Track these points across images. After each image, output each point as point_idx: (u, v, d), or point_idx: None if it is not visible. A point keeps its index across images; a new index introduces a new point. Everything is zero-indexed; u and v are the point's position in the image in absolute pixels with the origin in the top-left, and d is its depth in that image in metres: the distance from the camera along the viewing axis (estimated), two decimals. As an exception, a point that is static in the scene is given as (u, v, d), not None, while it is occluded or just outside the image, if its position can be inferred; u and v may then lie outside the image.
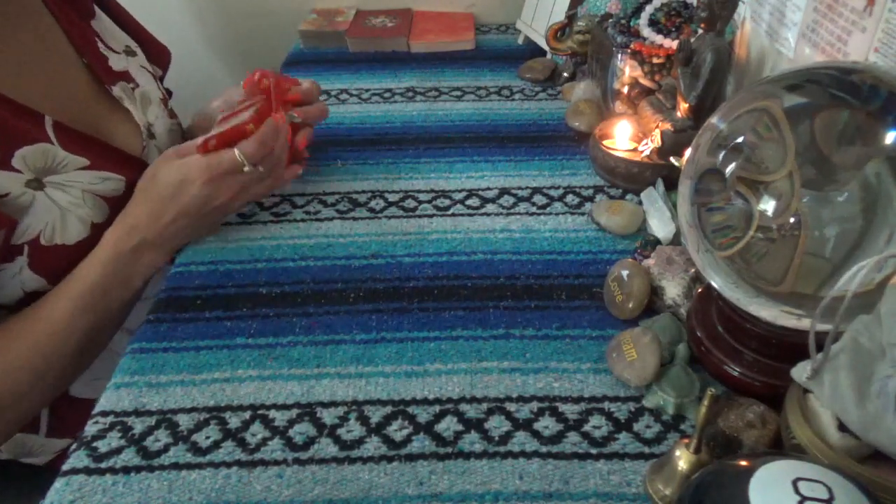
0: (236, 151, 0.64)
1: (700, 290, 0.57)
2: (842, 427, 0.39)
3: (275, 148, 0.67)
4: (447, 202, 0.74)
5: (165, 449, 0.49)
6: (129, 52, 0.80)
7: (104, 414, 0.52)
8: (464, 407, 0.52)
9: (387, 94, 0.98)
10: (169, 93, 0.91)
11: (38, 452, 0.71)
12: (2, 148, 0.60)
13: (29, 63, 0.66)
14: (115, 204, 0.67)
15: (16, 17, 0.67)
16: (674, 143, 0.69)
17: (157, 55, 0.88)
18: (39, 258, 0.62)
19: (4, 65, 0.64)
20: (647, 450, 0.48)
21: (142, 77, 0.79)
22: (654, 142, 0.71)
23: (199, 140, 0.64)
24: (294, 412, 0.52)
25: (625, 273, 0.58)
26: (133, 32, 0.85)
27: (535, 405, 0.52)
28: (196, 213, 0.65)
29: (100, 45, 0.75)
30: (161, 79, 0.90)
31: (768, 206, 0.45)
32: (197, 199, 0.64)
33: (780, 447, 0.45)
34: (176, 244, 0.68)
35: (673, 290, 0.58)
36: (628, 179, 0.74)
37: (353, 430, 0.50)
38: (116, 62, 0.76)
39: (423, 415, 0.51)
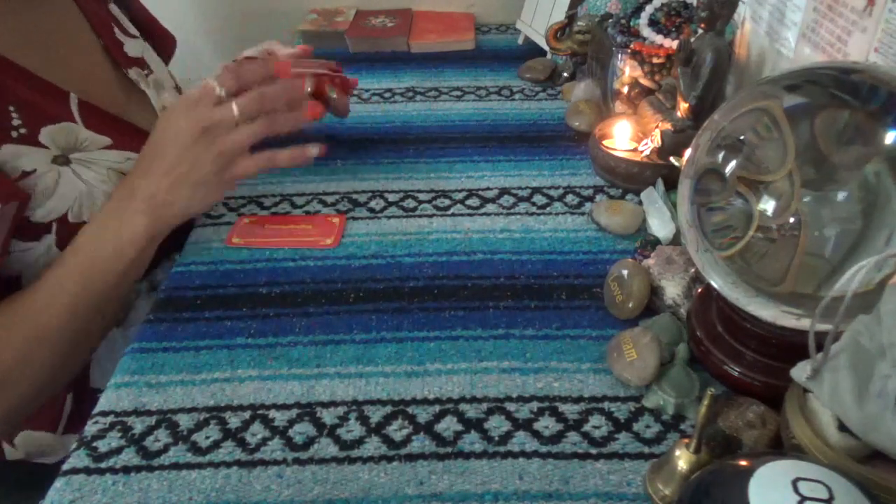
0: (210, 80, 0.63)
1: (700, 290, 0.57)
2: (842, 427, 0.39)
3: (263, 88, 0.65)
4: (447, 202, 0.74)
5: (165, 449, 0.49)
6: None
7: (104, 414, 0.52)
8: (464, 407, 0.52)
9: (387, 94, 0.98)
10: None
11: (50, 452, 0.70)
12: (30, 124, 0.61)
13: (54, 44, 0.67)
14: None
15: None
16: (674, 143, 0.69)
17: (161, 41, 0.88)
18: (67, 237, 0.62)
19: (32, 43, 0.64)
20: (647, 450, 0.48)
21: (155, 65, 0.80)
22: (654, 142, 0.71)
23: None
24: (294, 412, 0.52)
25: (625, 273, 0.58)
26: (138, 15, 0.85)
27: (535, 405, 0.52)
28: (186, 161, 0.62)
29: (115, 29, 0.76)
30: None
31: (768, 206, 0.45)
32: (178, 135, 0.62)
33: (780, 447, 0.45)
34: (172, 205, 0.63)
35: (673, 290, 0.58)
36: (628, 179, 0.74)
37: (353, 429, 0.50)
38: (132, 48, 0.77)
39: (423, 415, 0.51)
